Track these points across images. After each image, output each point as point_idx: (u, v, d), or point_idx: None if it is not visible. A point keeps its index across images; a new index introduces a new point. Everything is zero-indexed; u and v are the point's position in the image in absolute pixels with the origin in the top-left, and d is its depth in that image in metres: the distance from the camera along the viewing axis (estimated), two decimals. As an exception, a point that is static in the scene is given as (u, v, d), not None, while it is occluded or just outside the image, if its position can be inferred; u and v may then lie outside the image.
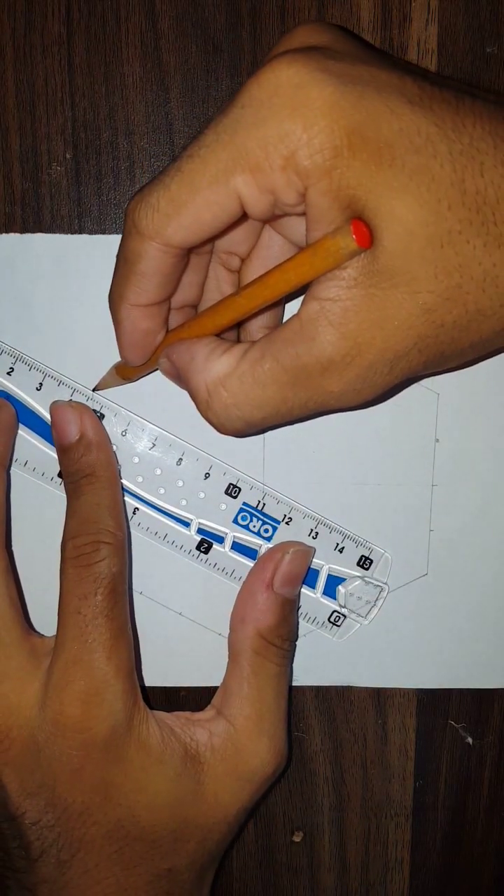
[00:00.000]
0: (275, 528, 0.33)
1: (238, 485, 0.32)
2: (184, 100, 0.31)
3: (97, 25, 0.30)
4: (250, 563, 0.33)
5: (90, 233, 0.31)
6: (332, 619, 0.33)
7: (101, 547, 0.29)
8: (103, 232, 0.32)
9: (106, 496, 0.30)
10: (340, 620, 0.33)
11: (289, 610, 0.31)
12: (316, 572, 0.33)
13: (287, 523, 0.33)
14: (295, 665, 0.34)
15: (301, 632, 0.33)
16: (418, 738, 0.35)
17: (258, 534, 0.33)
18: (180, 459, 0.32)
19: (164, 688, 0.34)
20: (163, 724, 0.30)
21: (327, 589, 0.33)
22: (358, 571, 0.33)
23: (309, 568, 0.32)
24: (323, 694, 0.35)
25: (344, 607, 0.33)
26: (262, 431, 0.32)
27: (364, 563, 0.33)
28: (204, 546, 0.33)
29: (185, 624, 0.33)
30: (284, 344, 0.24)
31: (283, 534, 0.33)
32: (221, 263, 0.29)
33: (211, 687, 0.33)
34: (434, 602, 0.33)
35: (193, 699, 0.34)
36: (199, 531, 0.33)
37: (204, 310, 0.27)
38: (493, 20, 0.30)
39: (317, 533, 0.33)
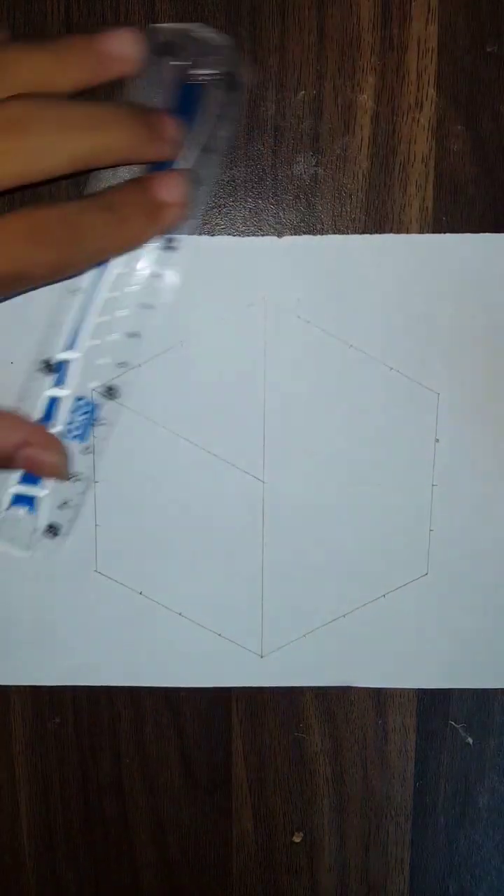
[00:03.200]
0: None
1: None
2: (183, 99, 0.31)
3: (97, 25, 0.30)
4: None
5: (90, 232, 0.31)
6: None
7: None
8: (103, 231, 0.31)
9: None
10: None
11: None
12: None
13: None
14: (295, 665, 0.34)
15: (300, 632, 0.33)
16: (418, 739, 0.35)
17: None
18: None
19: (164, 688, 0.34)
20: None
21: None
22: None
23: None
24: (323, 694, 0.35)
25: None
26: None
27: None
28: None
29: (185, 624, 0.33)
30: None
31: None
32: None
33: (211, 687, 0.33)
34: (434, 602, 0.33)
35: (193, 700, 0.34)
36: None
37: None
38: (494, 19, 0.30)
39: None
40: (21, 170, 0.26)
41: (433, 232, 0.31)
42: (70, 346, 0.31)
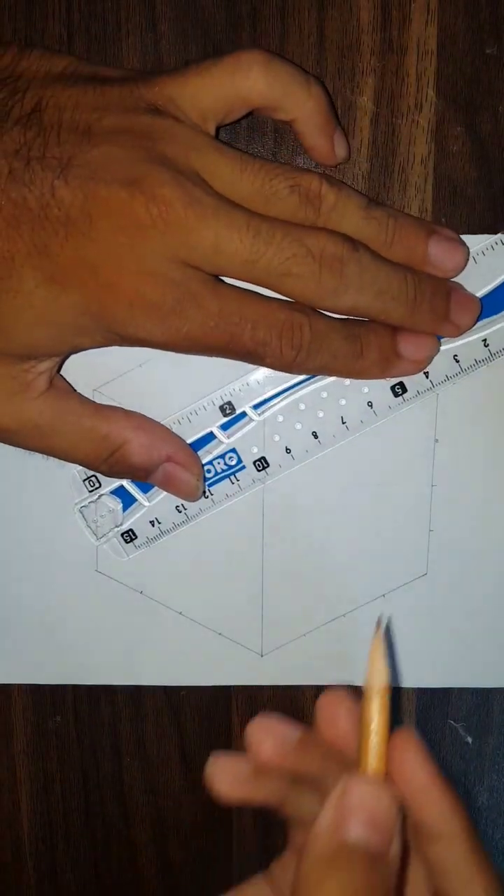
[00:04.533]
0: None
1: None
2: (184, 100, 0.31)
3: (97, 25, 0.30)
4: None
5: (91, 233, 0.31)
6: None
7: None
8: (104, 232, 0.32)
9: None
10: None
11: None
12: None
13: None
14: (295, 664, 0.34)
15: (300, 631, 0.33)
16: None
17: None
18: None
19: (164, 688, 0.34)
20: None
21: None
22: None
23: None
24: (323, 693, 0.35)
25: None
26: None
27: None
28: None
29: (186, 624, 0.33)
30: None
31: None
32: None
33: (211, 686, 0.33)
34: (434, 602, 0.34)
35: (193, 699, 0.34)
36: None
37: None
38: (493, 21, 0.30)
39: None
40: (304, 293, 0.26)
41: (433, 233, 0.31)
42: (258, 406, 0.31)
